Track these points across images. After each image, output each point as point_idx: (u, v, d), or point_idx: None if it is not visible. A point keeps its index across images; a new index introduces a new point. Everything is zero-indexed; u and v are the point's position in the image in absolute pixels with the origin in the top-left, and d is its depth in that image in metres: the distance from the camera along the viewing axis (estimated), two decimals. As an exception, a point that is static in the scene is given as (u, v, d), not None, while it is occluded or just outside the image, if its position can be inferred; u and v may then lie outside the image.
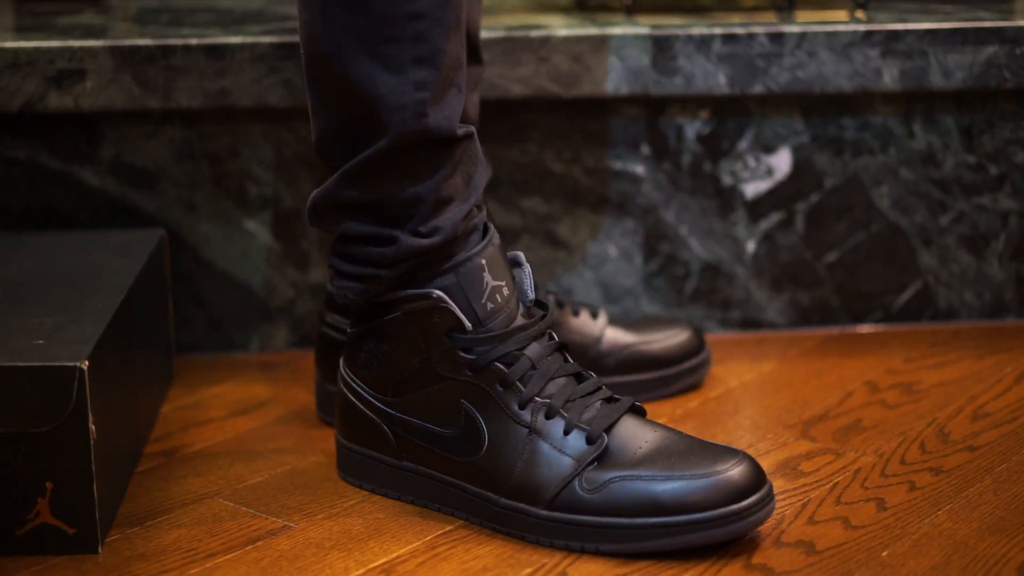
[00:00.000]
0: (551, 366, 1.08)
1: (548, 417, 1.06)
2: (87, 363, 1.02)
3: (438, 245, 1.06)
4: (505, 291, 1.08)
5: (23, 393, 1.02)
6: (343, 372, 1.15)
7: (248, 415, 1.31)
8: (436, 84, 1.03)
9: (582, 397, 1.07)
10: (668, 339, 1.35)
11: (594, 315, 1.34)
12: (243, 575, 1.02)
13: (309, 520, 1.10)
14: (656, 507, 1.01)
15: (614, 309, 1.48)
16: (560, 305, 1.32)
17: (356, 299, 1.10)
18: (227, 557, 1.04)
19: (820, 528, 1.07)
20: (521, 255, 1.11)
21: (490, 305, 1.07)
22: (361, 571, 1.02)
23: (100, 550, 1.05)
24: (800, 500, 1.11)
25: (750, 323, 1.51)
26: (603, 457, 1.04)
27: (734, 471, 1.01)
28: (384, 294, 1.09)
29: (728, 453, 1.03)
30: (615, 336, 1.33)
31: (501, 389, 1.06)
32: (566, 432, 1.05)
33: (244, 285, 1.46)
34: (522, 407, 1.06)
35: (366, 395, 1.12)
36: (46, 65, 1.36)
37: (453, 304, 1.06)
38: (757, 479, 1.02)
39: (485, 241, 1.08)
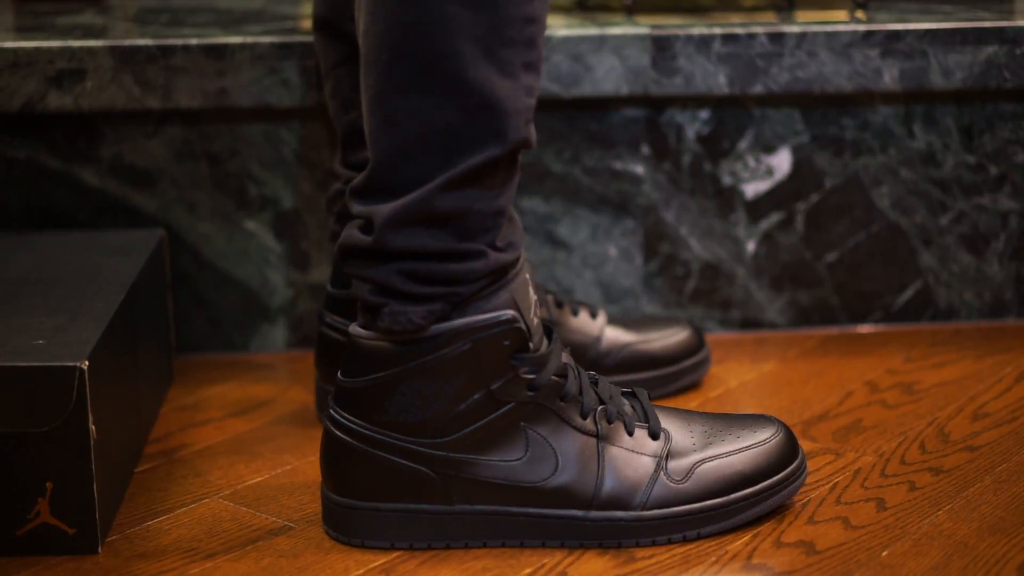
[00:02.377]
0: (581, 370, 1.07)
1: (610, 421, 1.06)
2: (87, 363, 1.02)
3: (514, 260, 1.02)
4: (537, 302, 1.06)
5: (23, 393, 1.02)
6: (352, 426, 1.04)
7: (248, 415, 1.31)
8: (536, 91, 1.00)
9: (611, 394, 1.08)
10: (667, 338, 1.35)
11: (593, 315, 1.34)
12: (243, 575, 1.02)
13: (309, 520, 1.10)
14: (744, 480, 1.06)
15: (614, 309, 1.48)
16: (559, 305, 1.32)
17: (419, 324, 1.00)
18: (227, 557, 1.04)
19: (820, 528, 1.07)
20: None
21: (535, 320, 1.04)
22: (361, 571, 1.02)
23: (100, 550, 1.05)
24: (800, 500, 1.11)
25: (750, 323, 1.51)
26: (669, 447, 1.06)
27: (780, 432, 1.09)
28: (443, 322, 1.01)
29: (760, 419, 1.11)
30: (614, 335, 1.33)
31: (562, 403, 1.04)
32: (629, 432, 1.06)
33: (244, 285, 1.45)
34: (584, 416, 1.05)
35: (400, 443, 1.03)
36: (46, 65, 1.36)
37: (524, 324, 1.02)
38: (792, 435, 1.11)
39: (522, 255, 1.04)
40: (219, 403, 1.34)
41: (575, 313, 1.33)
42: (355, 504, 1.05)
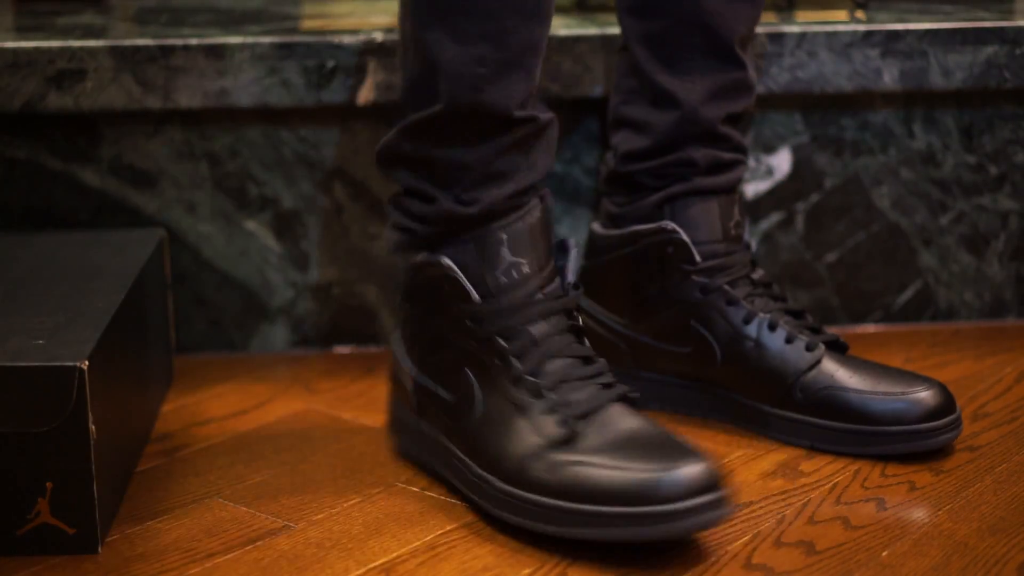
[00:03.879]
0: (555, 345, 1.08)
1: (535, 396, 1.06)
2: (87, 363, 1.02)
3: (474, 215, 1.09)
4: (525, 269, 1.09)
5: (23, 393, 1.02)
6: (395, 333, 1.18)
7: (248, 415, 1.31)
8: (498, 62, 1.06)
9: (578, 380, 1.07)
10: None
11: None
12: (243, 575, 1.02)
13: (309, 520, 1.10)
14: (593, 496, 1.00)
15: (614, 309, 1.48)
16: (772, 327, 1.23)
17: (393, 250, 1.14)
18: (227, 557, 1.05)
19: (820, 528, 1.07)
20: (571, 241, 1.13)
21: (504, 279, 1.08)
22: (361, 571, 1.02)
23: (100, 550, 1.05)
24: (800, 500, 1.11)
25: (750, 323, 1.50)
26: (571, 441, 1.04)
27: (684, 470, 0.98)
28: (411, 255, 1.12)
29: (688, 453, 1.00)
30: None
31: (499, 363, 1.07)
32: (546, 413, 1.05)
33: (244, 285, 1.46)
34: (514, 383, 1.07)
35: (399, 357, 1.16)
36: (46, 65, 1.36)
37: (460, 274, 1.09)
38: (707, 482, 0.98)
39: (513, 216, 1.09)
40: (219, 403, 1.34)
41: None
42: (392, 401, 1.20)
